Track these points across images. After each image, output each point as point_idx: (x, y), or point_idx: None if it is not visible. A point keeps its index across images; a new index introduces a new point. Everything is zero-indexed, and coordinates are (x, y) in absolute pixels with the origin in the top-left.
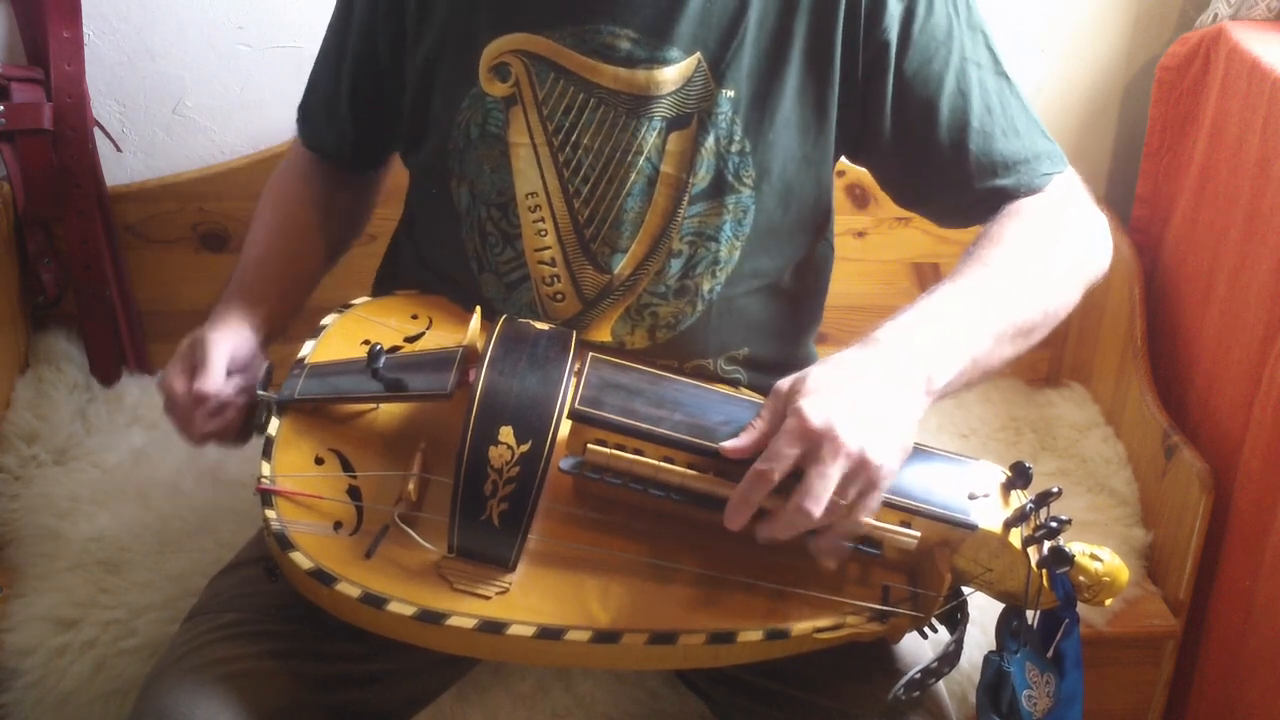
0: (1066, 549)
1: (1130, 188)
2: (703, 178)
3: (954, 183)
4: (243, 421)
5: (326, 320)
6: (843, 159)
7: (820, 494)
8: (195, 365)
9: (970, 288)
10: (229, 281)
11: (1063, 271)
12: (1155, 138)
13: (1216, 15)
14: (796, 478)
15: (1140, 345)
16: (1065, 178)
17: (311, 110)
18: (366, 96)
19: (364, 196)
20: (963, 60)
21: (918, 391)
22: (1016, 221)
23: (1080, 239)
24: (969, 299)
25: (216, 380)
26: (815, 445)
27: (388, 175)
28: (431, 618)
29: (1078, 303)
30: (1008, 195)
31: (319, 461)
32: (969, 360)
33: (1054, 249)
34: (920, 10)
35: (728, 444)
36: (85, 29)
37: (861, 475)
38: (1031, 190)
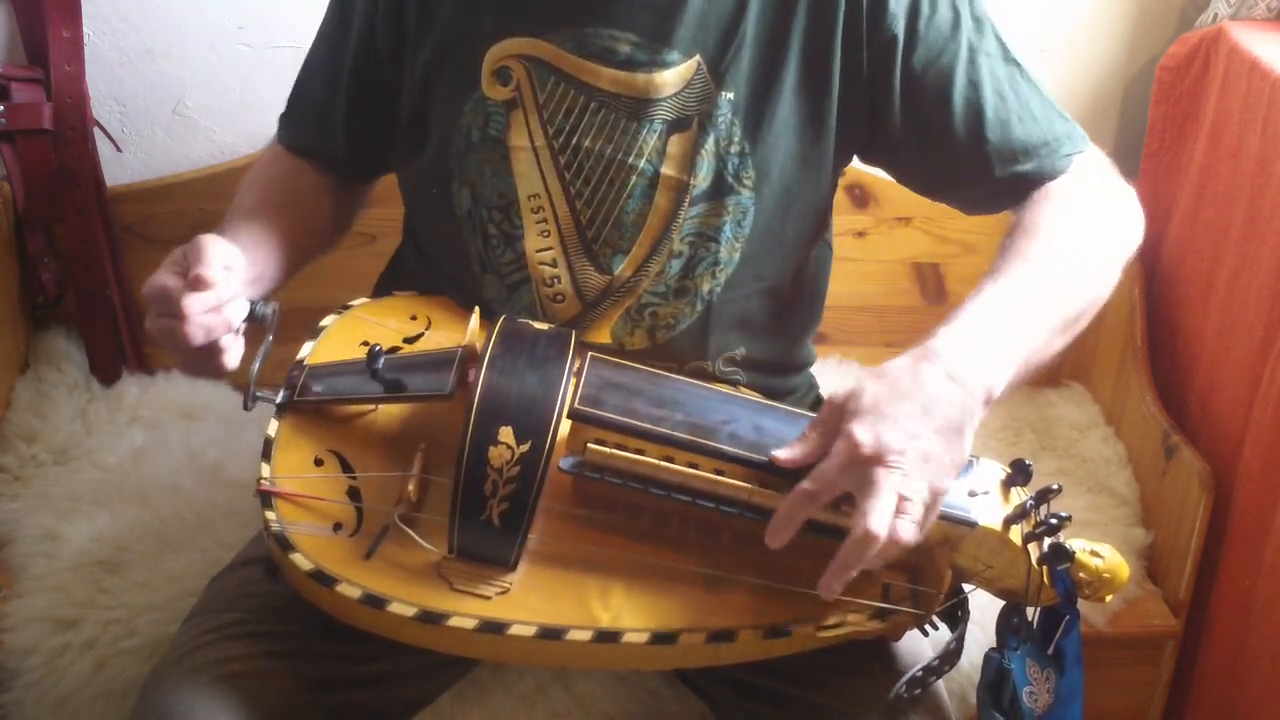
0: (1067, 545)
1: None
2: (703, 179)
3: (976, 173)
4: (234, 340)
5: (325, 321)
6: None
7: (875, 524)
8: (190, 264)
9: (1016, 284)
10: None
11: (1101, 254)
12: (1155, 138)
13: (1216, 15)
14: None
15: (1140, 345)
16: (1088, 156)
17: (300, 116)
18: (364, 104)
19: (346, 205)
20: (971, 51)
21: (976, 403)
22: (1048, 207)
23: (1112, 217)
24: (1018, 296)
25: (216, 270)
26: (866, 471)
27: (370, 189)
28: (432, 618)
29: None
30: (1032, 181)
31: (319, 463)
32: (1023, 361)
33: (1089, 232)
34: (925, 6)
35: (780, 453)
36: (85, 29)
37: (915, 498)
38: (1055, 173)
